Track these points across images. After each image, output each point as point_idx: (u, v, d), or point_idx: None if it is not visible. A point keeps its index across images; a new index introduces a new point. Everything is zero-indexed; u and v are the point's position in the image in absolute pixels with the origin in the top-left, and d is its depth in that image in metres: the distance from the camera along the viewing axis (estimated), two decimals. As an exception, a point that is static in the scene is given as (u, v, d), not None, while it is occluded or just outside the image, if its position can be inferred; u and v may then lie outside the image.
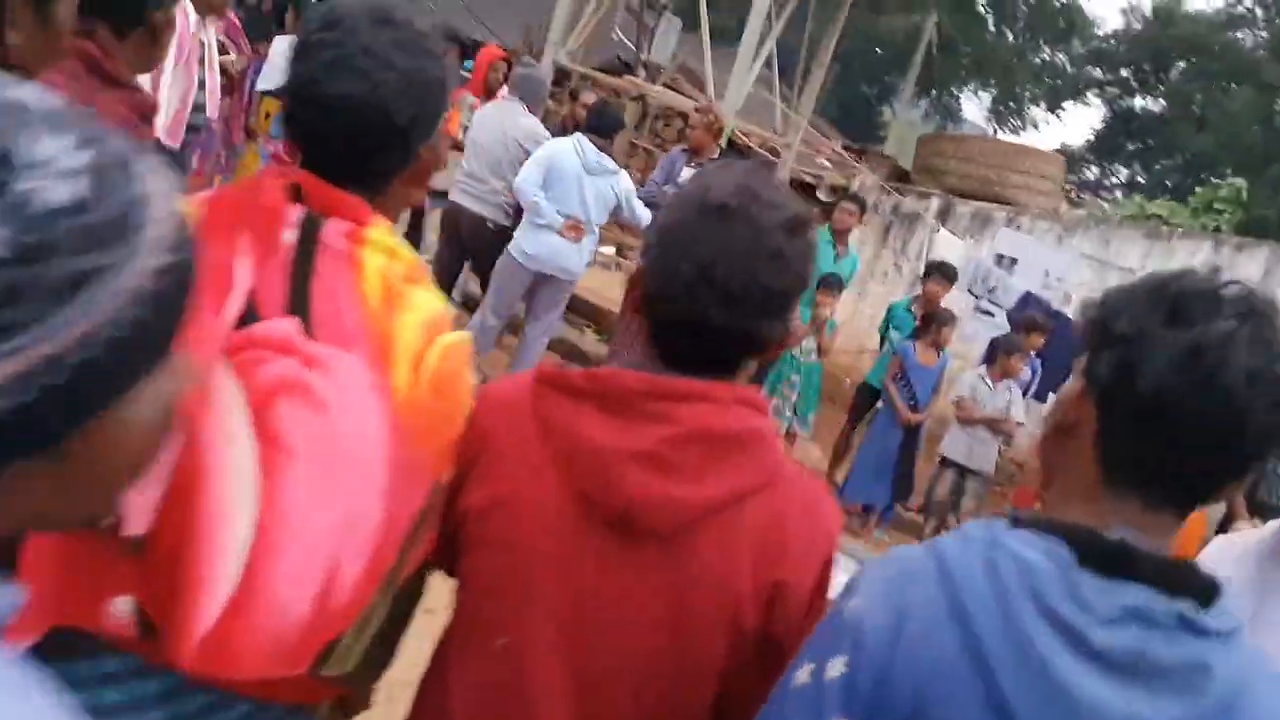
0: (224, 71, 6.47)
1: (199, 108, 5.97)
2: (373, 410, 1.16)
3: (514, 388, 1.30)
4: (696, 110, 7.19)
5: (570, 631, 1.22)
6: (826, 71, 10.20)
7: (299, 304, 1.14)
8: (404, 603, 1.30)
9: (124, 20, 1.72)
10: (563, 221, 5.59)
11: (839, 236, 6.97)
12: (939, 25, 23.62)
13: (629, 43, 11.39)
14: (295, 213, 1.17)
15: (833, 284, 6.70)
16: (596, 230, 5.79)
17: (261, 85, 7.36)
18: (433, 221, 7.10)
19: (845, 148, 15.52)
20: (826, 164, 12.91)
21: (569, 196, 5.59)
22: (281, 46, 7.50)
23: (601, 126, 5.74)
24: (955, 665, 0.97)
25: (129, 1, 1.71)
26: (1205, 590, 0.98)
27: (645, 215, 5.93)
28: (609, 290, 8.31)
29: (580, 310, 7.97)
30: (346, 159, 1.21)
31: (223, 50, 6.36)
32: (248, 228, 1.15)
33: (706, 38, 8.79)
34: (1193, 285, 1.02)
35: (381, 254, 1.21)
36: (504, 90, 6.84)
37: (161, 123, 5.44)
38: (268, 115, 7.37)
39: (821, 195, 10.00)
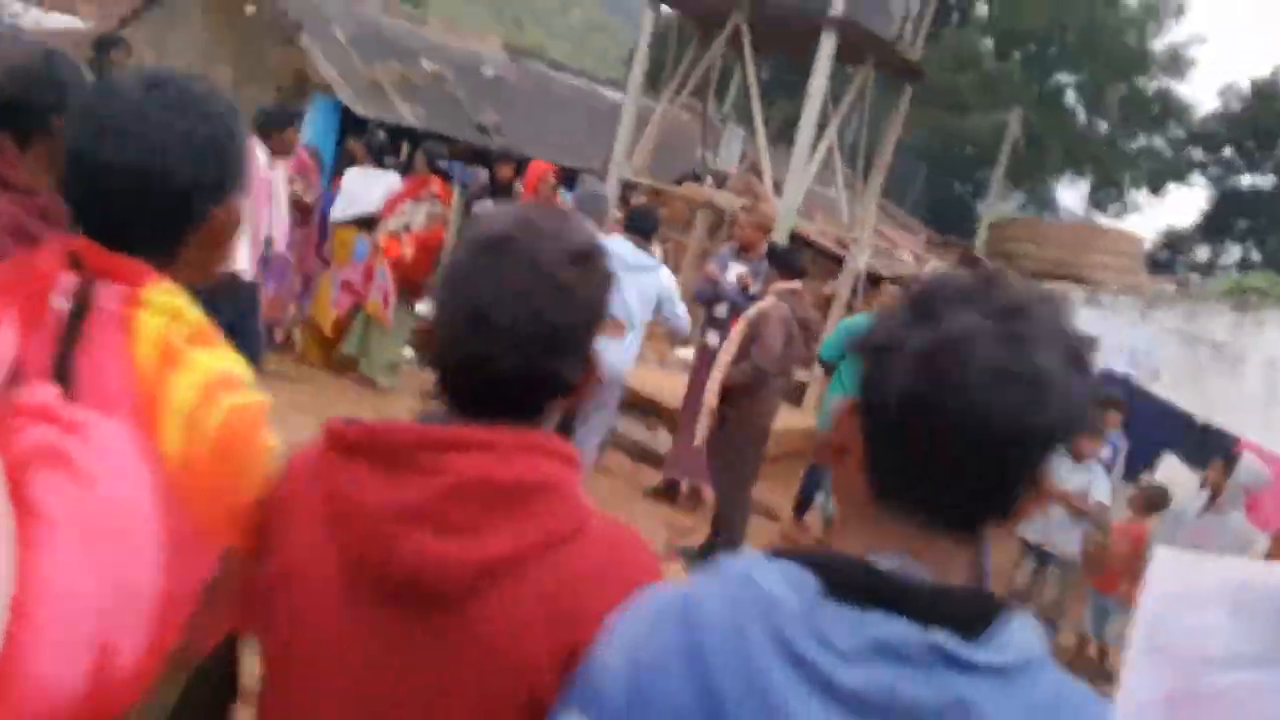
0: (297, 204, 6.82)
1: (268, 241, 6.28)
2: (139, 476, 1.12)
3: (312, 450, 1.23)
4: (743, 208, 7.23)
5: (357, 710, 1.14)
6: (891, 166, 10.16)
7: (63, 370, 1.13)
8: (210, 679, 1.24)
9: (25, 129, 1.79)
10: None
11: (888, 319, 6.82)
12: (1025, 119, 23.52)
13: (708, 152, 11.57)
14: (69, 280, 1.17)
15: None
16: (640, 327, 5.81)
17: (335, 216, 7.70)
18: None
19: (930, 241, 15.37)
20: (906, 259, 12.77)
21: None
22: (353, 178, 7.86)
23: (639, 226, 5.84)
24: (691, 717, 0.89)
25: (29, 111, 1.78)
26: (979, 619, 0.87)
27: (685, 317, 5.97)
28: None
29: (650, 410, 7.96)
30: (123, 224, 1.19)
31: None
32: (17, 298, 1.15)
33: (762, 139, 8.88)
34: (949, 283, 0.94)
35: (161, 316, 1.17)
36: (567, 205, 7.01)
37: (245, 257, 5.77)
38: (342, 243, 7.69)
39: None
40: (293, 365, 7.71)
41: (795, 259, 6.13)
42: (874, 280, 10.61)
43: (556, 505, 1.13)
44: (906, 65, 9.51)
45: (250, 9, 13.01)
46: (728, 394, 5.89)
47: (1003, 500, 0.92)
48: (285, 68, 12.76)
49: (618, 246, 5.69)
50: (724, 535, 6.07)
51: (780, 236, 8.32)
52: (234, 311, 5.31)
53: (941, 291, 0.92)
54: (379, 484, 1.11)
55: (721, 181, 10.25)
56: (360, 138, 8.35)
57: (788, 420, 7.87)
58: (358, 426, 1.16)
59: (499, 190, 7.66)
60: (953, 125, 27.66)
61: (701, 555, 6.07)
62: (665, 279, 5.92)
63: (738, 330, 5.96)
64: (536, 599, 1.10)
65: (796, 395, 8.48)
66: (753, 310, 5.94)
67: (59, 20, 15.23)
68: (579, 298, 1.15)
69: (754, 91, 8.80)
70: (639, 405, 8.13)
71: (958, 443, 0.88)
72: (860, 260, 9.36)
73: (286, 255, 6.76)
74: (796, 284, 6.01)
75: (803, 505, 7.04)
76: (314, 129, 11.75)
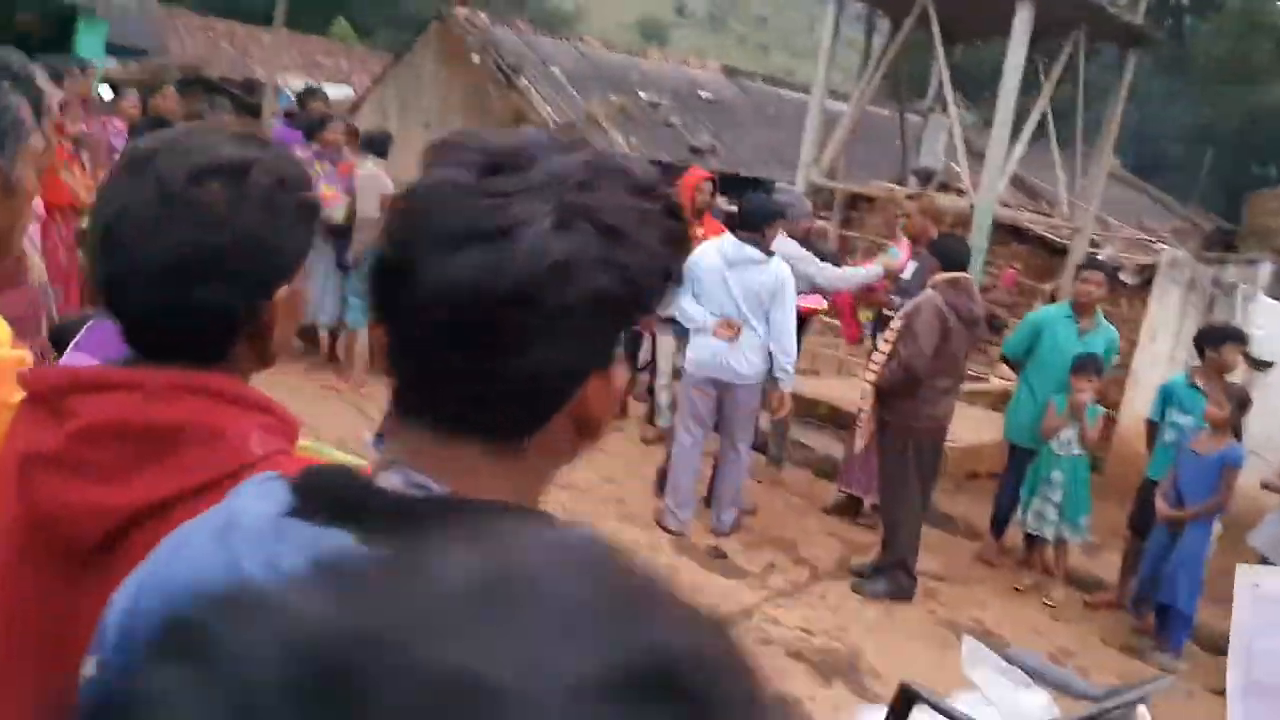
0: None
1: None
2: None
3: None
4: (908, 198, 6.72)
5: (34, 670, 1.08)
6: (1170, 154, 9.15)
7: None
8: None
9: None
10: (714, 321, 5.49)
11: (1082, 310, 6.07)
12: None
13: (910, 148, 10.96)
14: None
15: (1088, 366, 5.81)
16: (759, 327, 5.52)
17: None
18: (664, 348, 7.12)
19: (1191, 226, 13.79)
20: (1162, 246, 11.52)
21: (716, 294, 5.51)
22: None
23: (746, 220, 5.62)
24: None
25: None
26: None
27: (831, 276, 6.12)
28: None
29: (834, 420, 7.53)
30: None
31: None
32: None
33: (957, 128, 8.26)
34: (461, 135, 0.82)
35: None
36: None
37: None
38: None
39: (1127, 279, 8.88)
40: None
41: (956, 248, 5.60)
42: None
43: (211, 448, 1.05)
44: (1128, 31, 8.56)
45: (475, 58, 13.73)
46: (884, 397, 5.46)
47: (514, 395, 0.78)
48: (506, 109, 13.34)
49: (723, 243, 5.53)
50: (889, 551, 5.61)
51: (979, 227, 7.69)
52: None
53: (441, 144, 0.81)
54: (34, 429, 1.08)
55: (926, 178, 9.65)
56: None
57: (997, 432, 7.20)
58: (34, 371, 1.13)
59: (669, 203, 7.56)
60: (1244, 101, 24.77)
61: (873, 573, 5.64)
62: (776, 269, 5.55)
63: (891, 327, 5.52)
64: None
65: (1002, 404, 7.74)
66: (907, 305, 5.49)
67: (335, 89, 16.70)
68: (216, 217, 1.05)
69: (945, 76, 8.22)
70: (821, 415, 7.71)
71: (422, 315, 0.76)
72: (1080, 249, 8.47)
73: None
74: (960, 275, 5.48)
75: (999, 522, 6.37)
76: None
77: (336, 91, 16.41)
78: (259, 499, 0.81)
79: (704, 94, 15.56)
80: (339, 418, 6.88)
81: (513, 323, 0.74)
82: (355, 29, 29.43)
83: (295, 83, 17.95)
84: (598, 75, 14.69)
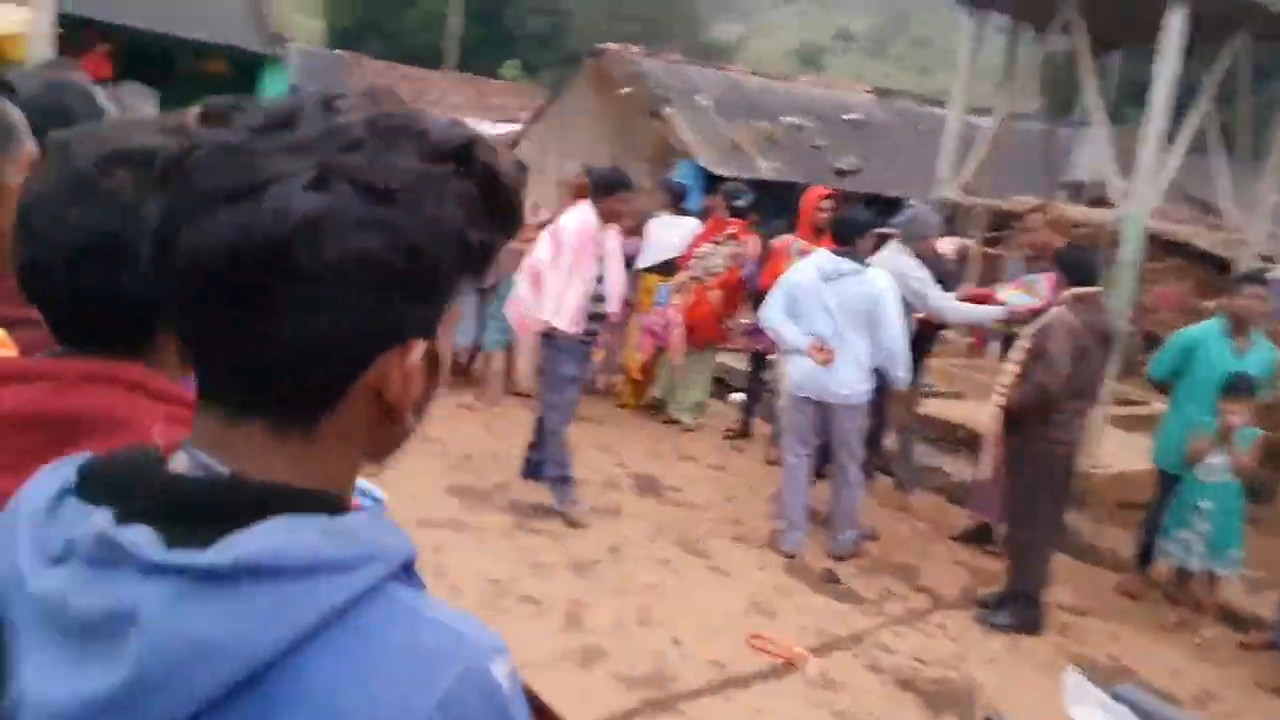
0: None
1: (599, 298, 6.28)
2: None
3: None
4: (1035, 209, 6.40)
5: None
6: None
7: None
8: None
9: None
10: (808, 343, 5.46)
11: (1239, 327, 5.61)
12: None
13: (1064, 161, 10.45)
14: None
15: (1239, 386, 5.38)
16: (858, 342, 5.40)
17: (641, 264, 7.96)
18: (784, 369, 7.03)
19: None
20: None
21: (813, 313, 5.47)
22: (656, 227, 8.09)
23: (838, 232, 5.61)
24: None
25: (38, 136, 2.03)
26: (254, 515, 0.69)
27: (944, 305, 5.96)
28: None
29: (969, 444, 7.24)
30: None
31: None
32: None
33: (1106, 139, 7.85)
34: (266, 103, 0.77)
35: None
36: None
37: (563, 313, 5.95)
38: (647, 290, 7.92)
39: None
40: (606, 409, 8.04)
41: (1084, 260, 5.29)
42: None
43: (110, 437, 1.02)
44: (1299, 29, 7.95)
45: (625, 90, 13.97)
46: (1013, 420, 5.21)
47: (287, 366, 0.72)
48: (653, 138, 13.49)
49: (819, 258, 5.51)
50: (1016, 580, 5.33)
51: (1130, 240, 7.26)
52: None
53: (227, 110, 0.75)
54: None
55: (1076, 192, 9.19)
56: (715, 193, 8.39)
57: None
58: None
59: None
60: None
61: (998, 603, 5.37)
62: (875, 280, 5.39)
63: (1020, 347, 5.27)
64: None
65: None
66: (1037, 323, 5.23)
67: (503, 127, 17.35)
68: (124, 203, 1.05)
69: (1094, 86, 7.83)
70: (959, 439, 7.42)
71: (185, 280, 0.71)
72: (1243, 263, 7.88)
73: (614, 316, 6.83)
74: (1089, 289, 5.19)
75: (1145, 553, 5.95)
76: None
77: (504, 128, 17.03)
78: (45, 481, 0.79)
79: (851, 116, 15.34)
80: (466, 432, 7.09)
81: (269, 286, 0.69)
82: (525, 68, 30.58)
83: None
84: (745, 102, 14.70)
